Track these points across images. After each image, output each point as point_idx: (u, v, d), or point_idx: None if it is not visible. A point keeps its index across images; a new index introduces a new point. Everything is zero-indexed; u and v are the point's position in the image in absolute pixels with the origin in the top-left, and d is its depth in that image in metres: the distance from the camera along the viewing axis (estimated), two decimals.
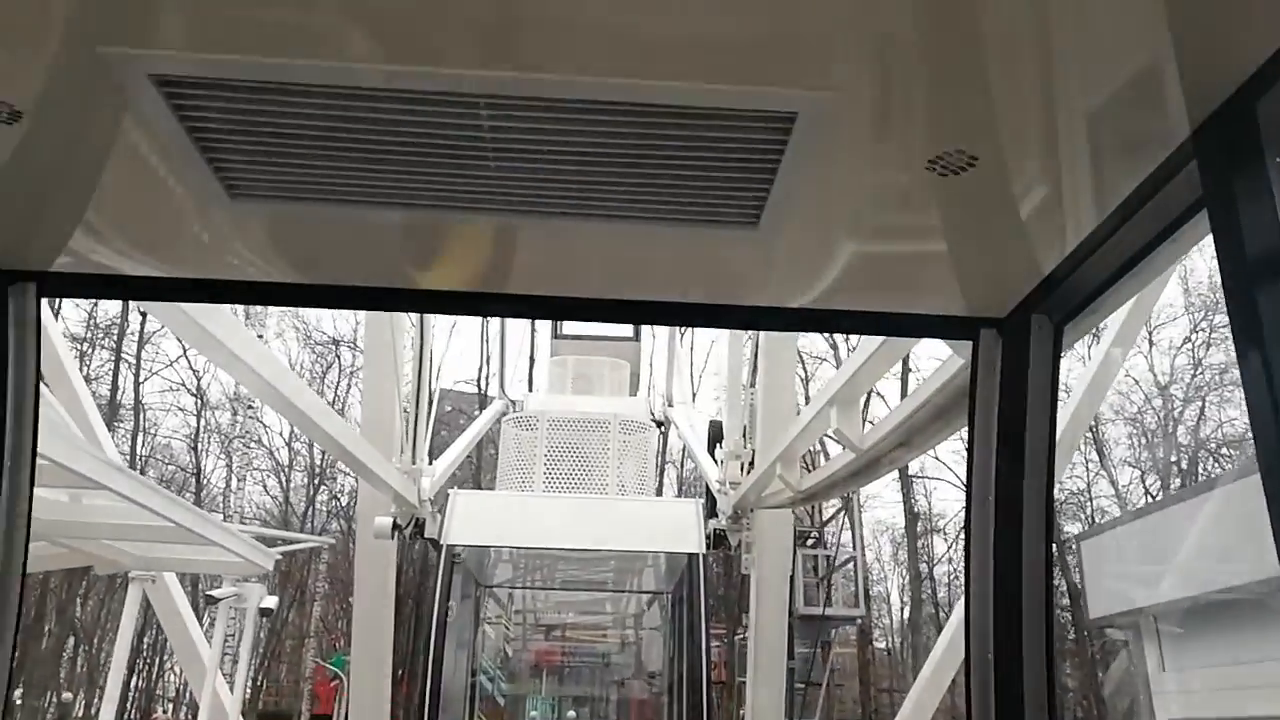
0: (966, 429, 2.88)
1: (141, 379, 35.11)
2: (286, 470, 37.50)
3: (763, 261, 2.64)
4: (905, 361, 25.63)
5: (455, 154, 2.09)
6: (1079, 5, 1.58)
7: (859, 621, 28.72)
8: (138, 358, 34.93)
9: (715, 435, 12.31)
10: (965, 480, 2.85)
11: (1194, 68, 1.66)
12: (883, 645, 38.16)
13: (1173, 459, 30.85)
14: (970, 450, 2.80)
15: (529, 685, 13.70)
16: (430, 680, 9.20)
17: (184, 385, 36.29)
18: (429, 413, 11.59)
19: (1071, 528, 31.16)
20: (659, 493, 17.37)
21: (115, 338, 34.40)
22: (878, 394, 26.51)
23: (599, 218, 2.37)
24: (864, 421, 6.24)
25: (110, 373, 34.15)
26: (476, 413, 21.69)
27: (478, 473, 30.75)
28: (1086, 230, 2.22)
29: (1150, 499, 30.41)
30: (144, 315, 31.50)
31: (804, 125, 1.93)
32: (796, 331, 9.67)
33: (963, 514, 2.91)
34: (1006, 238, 2.35)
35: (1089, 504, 32.68)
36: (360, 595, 12.58)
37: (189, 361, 35.27)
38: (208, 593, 12.12)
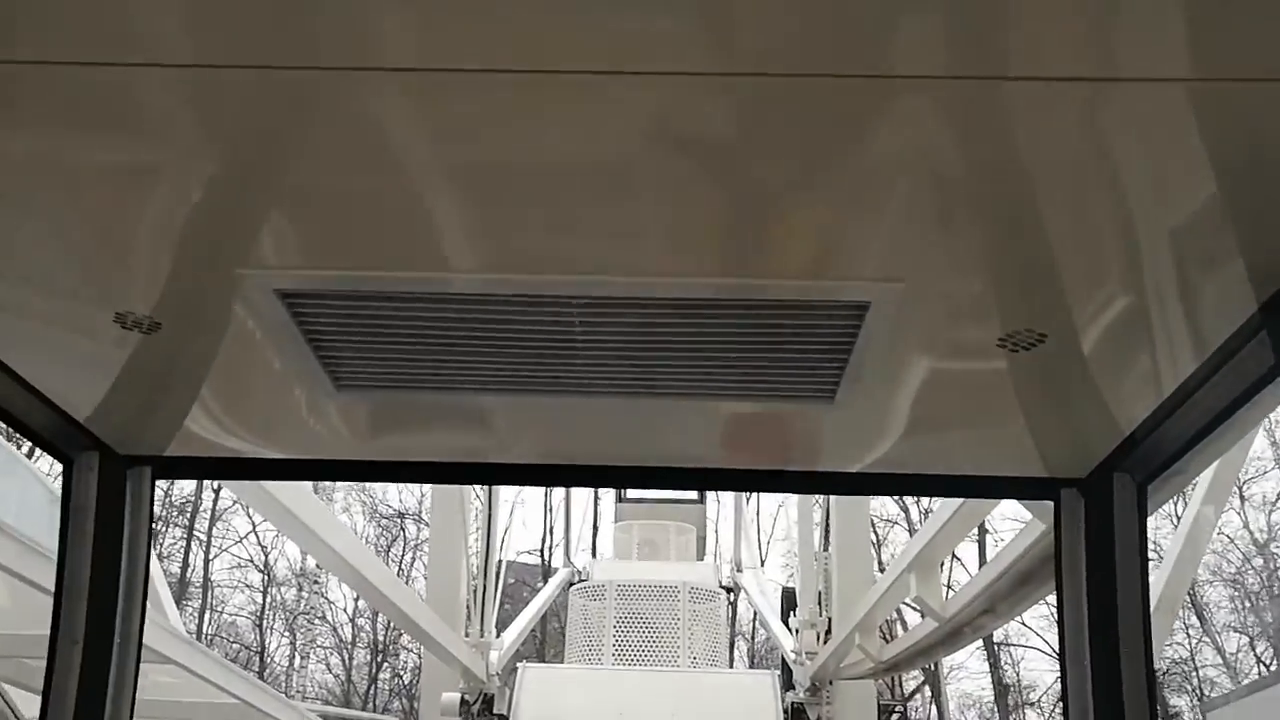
0: (1054, 594, 2.82)
1: (211, 556, 35.52)
2: (349, 647, 37.08)
3: (838, 431, 2.69)
4: (980, 525, 24.95)
5: (546, 347, 2.21)
6: (1140, 190, 1.65)
7: None
8: (209, 535, 35.43)
9: (788, 603, 12.03)
10: (1059, 648, 2.77)
11: (1254, 245, 1.72)
12: None
13: None
14: (1061, 616, 2.74)
15: None
16: None
17: (252, 561, 36.61)
18: (496, 584, 11.55)
19: (1177, 701, 29.12)
20: (730, 664, 16.79)
21: (189, 515, 35.05)
22: (955, 558, 25.66)
23: (678, 396, 2.46)
24: (944, 588, 6.09)
25: (182, 550, 34.64)
26: (540, 584, 21.47)
27: (542, 645, 30.07)
28: (1164, 394, 2.24)
29: (1264, 667, 28.39)
30: (216, 492, 32.17)
31: (876, 312, 2.01)
32: (871, 495, 9.56)
33: (1054, 685, 2.82)
34: (1083, 403, 2.37)
35: (1194, 674, 30.59)
36: None
37: (258, 538, 35.70)
38: None
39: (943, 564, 13.21)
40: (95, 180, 1.67)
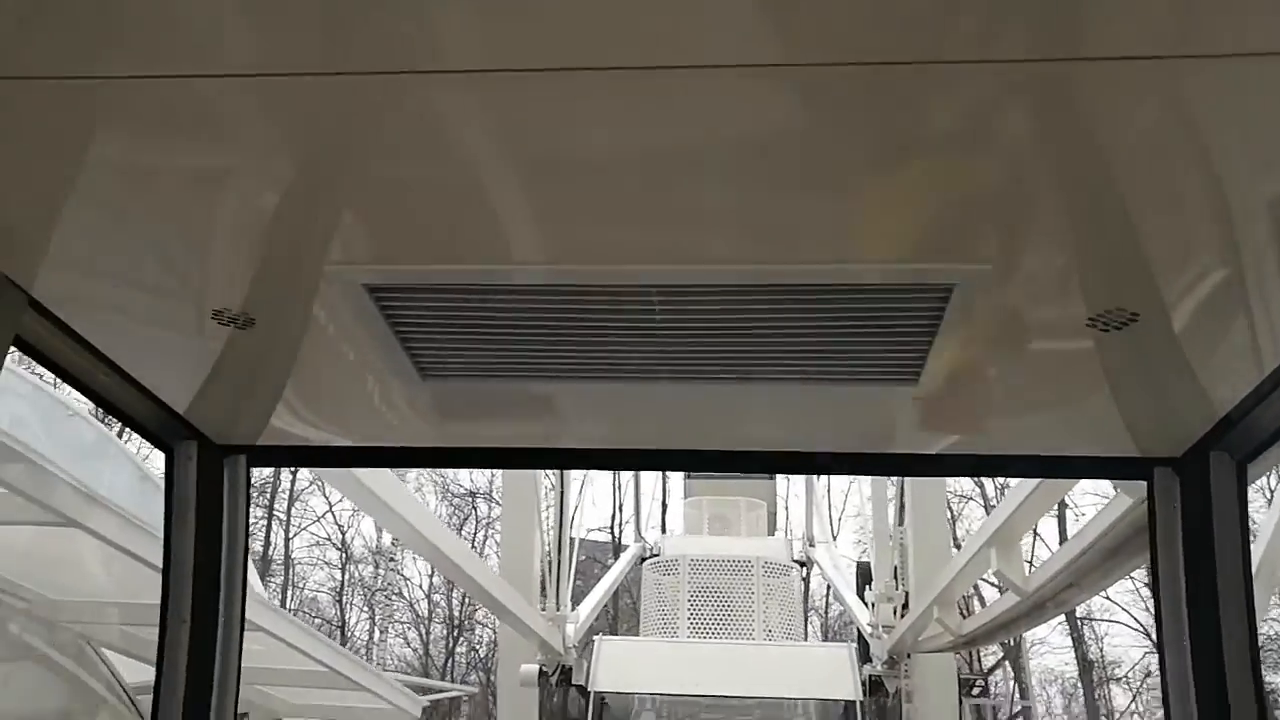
0: (1143, 569, 2.77)
1: (291, 534, 36.51)
2: (426, 622, 37.88)
3: (922, 413, 2.65)
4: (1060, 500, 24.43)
5: (626, 334, 2.24)
6: (1231, 163, 1.60)
7: None
8: (288, 514, 36.39)
9: (864, 577, 11.98)
10: (1155, 625, 2.73)
11: None
12: None
13: None
14: (1156, 594, 2.70)
15: None
16: None
17: (329, 539, 37.53)
18: (570, 559, 11.70)
19: (1272, 678, 28.19)
20: (804, 638, 16.76)
21: (268, 495, 36.03)
22: (1035, 533, 25.19)
23: (759, 380, 2.47)
24: (1024, 562, 6.02)
25: (264, 529, 35.66)
26: (610, 561, 21.60)
27: (614, 622, 30.38)
28: (1264, 371, 2.19)
29: None
30: (294, 474, 32.95)
31: (961, 295, 1.99)
32: (953, 476, 9.45)
33: (1141, 661, 2.78)
34: (1177, 382, 2.32)
35: None
36: None
37: (334, 516, 36.58)
38: None
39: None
40: (188, 186, 1.76)
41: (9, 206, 1.75)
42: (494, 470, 30.75)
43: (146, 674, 7.16)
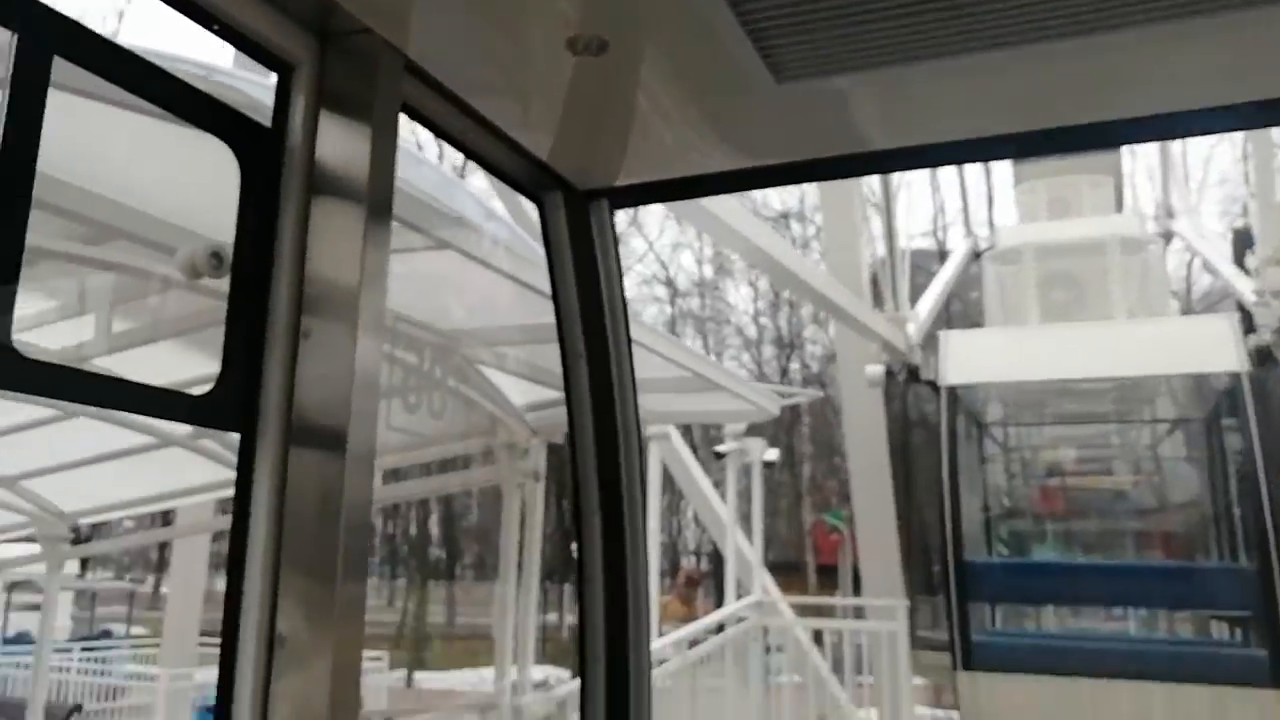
0: None
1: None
2: (756, 345, 39.66)
3: None
4: None
5: None
6: None
7: None
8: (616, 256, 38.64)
9: (1242, 243, 10.72)
10: None
11: None
12: None
13: None
14: None
15: (1038, 526, 13.26)
16: (950, 522, 9.21)
17: (655, 277, 39.61)
18: (904, 260, 11.41)
19: None
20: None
21: None
22: None
23: (1130, 25, 1.99)
24: None
25: None
26: (935, 269, 21.04)
27: (948, 327, 30.04)
28: None
29: None
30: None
31: None
32: None
33: None
34: None
35: None
36: (853, 446, 12.93)
37: (655, 255, 38.28)
38: (715, 449, 13.00)
39: None
40: None
41: None
42: (803, 189, 30.53)
43: (531, 395, 7.98)
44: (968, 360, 10.16)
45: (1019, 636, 10.91)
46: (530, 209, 2.94)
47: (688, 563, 36.85)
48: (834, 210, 11.63)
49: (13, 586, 22.19)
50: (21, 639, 20.65)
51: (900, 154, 2.93)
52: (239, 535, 1.43)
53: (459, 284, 6.16)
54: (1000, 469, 11.86)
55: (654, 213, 35.60)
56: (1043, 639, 11.12)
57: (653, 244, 37.04)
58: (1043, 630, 11.57)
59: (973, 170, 20.92)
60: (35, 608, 18.15)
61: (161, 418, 1.51)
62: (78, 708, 17.33)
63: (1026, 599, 11.15)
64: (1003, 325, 12.26)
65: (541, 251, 2.92)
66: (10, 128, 1.16)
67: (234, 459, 1.46)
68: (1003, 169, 18.00)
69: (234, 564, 1.41)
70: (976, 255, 14.41)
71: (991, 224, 18.12)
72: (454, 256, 5.21)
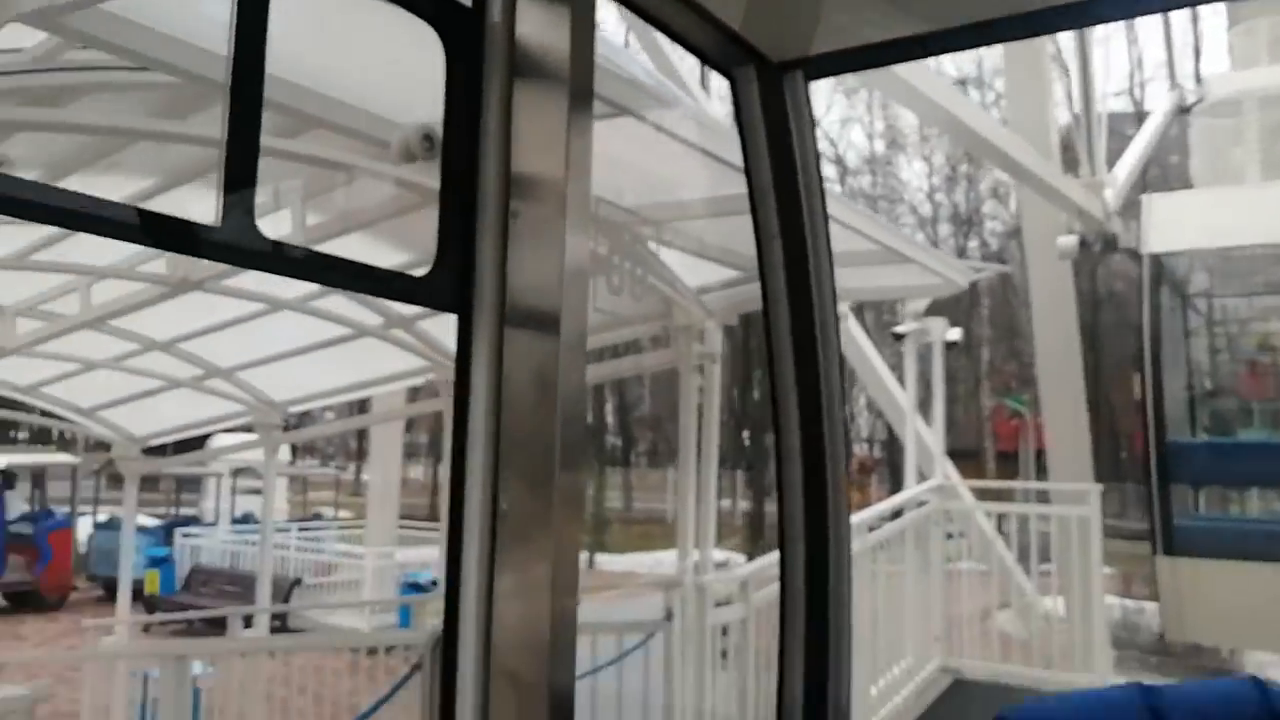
0: None
1: None
2: (932, 223, 38.09)
3: None
4: None
5: None
6: None
7: None
8: None
9: None
10: None
11: None
12: None
13: None
14: None
15: (1245, 405, 12.35)
16: (1153, 401, 8.68)
17: (823, 156, 38.43)
18: (1101, 120, 10.55)
19: None
20: None
21: None
22: None
23: None
24: None
25: None
26: (1130, 132, 19.37)
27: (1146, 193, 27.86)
28: None
29: None
30: None
31: None
32: None
33: None
34: None
35: None
36: (1040, 324, 12.29)
37: (823, 132, 37.04)
38: (894, 329, 12.59)
39: None
40: None
41: None
42: (980, 53, 28.54)
43: (703, 276, 7.92)
44: (1175, 225, 9.36)
45: (1223, 521, 10.32)
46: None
47: (860, 449, 36.58)
48: (1020, 70, 10.83)
49: (237, 473, 24.40)
50: (247, 519, 22.83)
51: (1083, 7, 2.70)
52: (461, 414, 1.46)
53: (632, 159, 6.06)
54: (1205, 344, 11.05)
55: (821, 89, 34.34)
56: (1248, 524, 10.49)
57: (819, 121, 35.79)
58: (1248, 515, 10.91)
59: (1178, 17, 18.95)
60: (256, 492, 19.97)
61: (387, 298, 1.56)
62: (298, 581, 19.18)
63: (1232, 482, 10.49)
64: (1213, 186, 11.21)
65: (724, 122, 2.83)
66: (241, 35, 1.18)
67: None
68: (1213, 14, 16.19)
69: (457, 440, 1.45)
70: (1183, 110, 13.15)
71: (1198, 77, 16.46)
72: (625, 126, 5.11)
